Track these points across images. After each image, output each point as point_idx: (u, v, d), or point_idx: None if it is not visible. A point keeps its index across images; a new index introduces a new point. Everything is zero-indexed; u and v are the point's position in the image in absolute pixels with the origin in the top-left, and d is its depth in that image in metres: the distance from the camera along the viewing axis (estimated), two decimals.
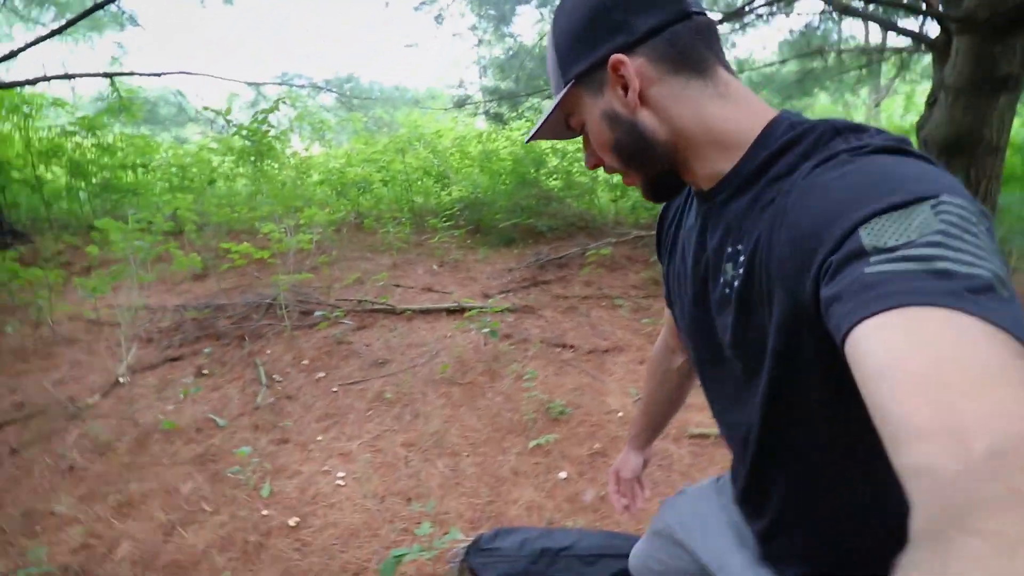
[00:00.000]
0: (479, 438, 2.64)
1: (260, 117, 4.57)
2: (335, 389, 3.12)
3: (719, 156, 0.56)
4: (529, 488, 2.28)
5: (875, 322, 0.34)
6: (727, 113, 0.56)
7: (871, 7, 4.59)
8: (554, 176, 6.72)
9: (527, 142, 0.80)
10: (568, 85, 0.58)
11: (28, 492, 2.29)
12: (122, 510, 2.19)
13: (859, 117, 10.69)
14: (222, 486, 2.33)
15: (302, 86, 8.10)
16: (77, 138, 7.28)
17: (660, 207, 0.79)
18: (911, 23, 5.95)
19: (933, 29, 4.95)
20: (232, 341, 3.73)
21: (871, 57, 8.18)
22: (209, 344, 3.68)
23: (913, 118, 9.07)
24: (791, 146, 0.52)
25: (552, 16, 0.61)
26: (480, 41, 6.92)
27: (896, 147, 0.46)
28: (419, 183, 7.09)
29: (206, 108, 5.14)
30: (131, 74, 6.57)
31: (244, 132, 4.53)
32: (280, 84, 6.87)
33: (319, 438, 2.66)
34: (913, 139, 4.86)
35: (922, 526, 0.26)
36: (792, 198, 0.48)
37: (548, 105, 0.63)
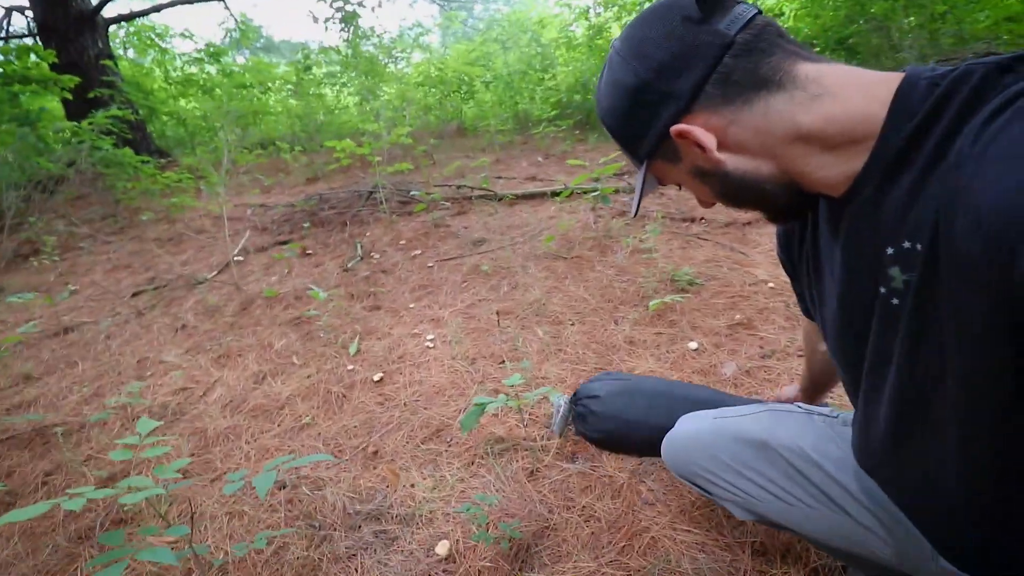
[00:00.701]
0: (586, 307, 2.22)
1: None
2: (430, 264, 2.88)
3: (844, 157, 0.47)
4: (648, 358, 1.84)
5: None
6: (831, 110, 0.46)
7: None
8: None
9: (634, 216, 0.81)
10: (644, 165, 0.56)
11: (145, 344, 2.38)
12: (220, 361, 2.16)
13: None
14: (313, 344, 2.21)
15: None
16: (206, 68, 7.76)
17: None
18: None
19: None
20: (335, 226, 3.67)
21: None
22: (315, 229, 3.65)
23: None
24: (944, 105, 0.40)
25: (597, 108, 0.59)
26: None
27: None
28: (523, 79, 6.51)
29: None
30: None
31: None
32: None
33: (411, 306, 2.44)
34: None
35: None
36: (968, 170, 0.37)
37: (636, 180, 0.60)
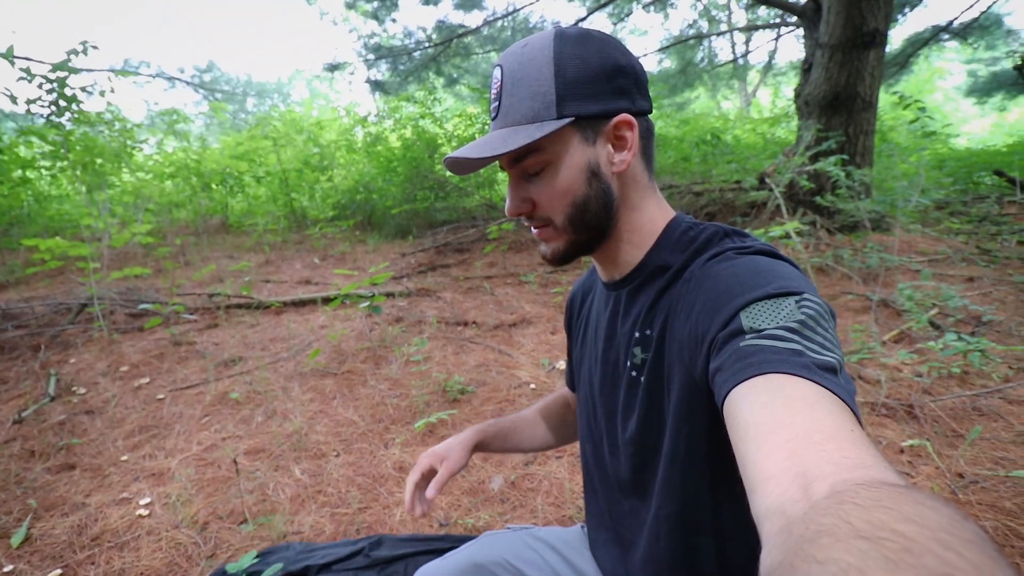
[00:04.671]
0: (354, 433, 2.05)
1: (62, 64, 3.56)
2: (161, 396, 2.36)
3: (635, 246, 0.61)
4: None
5: (746, 385, 0.41)
6: (651, 208, 0.61)
7: None
8: None
9: (474, 165, 0.58)
10: (565, 121, 0.54)
11: None
12: None
13: (732, 114, 11.48)
14: None
15: (151, 76, 6.90)
16: None
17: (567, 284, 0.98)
18: None
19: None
20: (25, 352, 2.79)
21: (738, 58, 8.71)
22: None
23: (781, 108, 9.83)
24: (690, 243, 0.58)
25: (553, 44, 0.55)
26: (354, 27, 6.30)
27: (771, 251, 0.54)
28: (299, 176, 6.29)
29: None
30: None
31: (32, 78, 3.49)
32: (121, 74, 5.72)
33: (124, 458, 1.92)
34: (793, 106, 5.04)
35: (772, 560, 0.27)
36: (691, 285, 0.54)
37: (502, 132, 0.56)
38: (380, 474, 1.78)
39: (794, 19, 6.55)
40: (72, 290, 3.77)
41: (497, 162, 0.61)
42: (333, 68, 5.63)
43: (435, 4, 7.00)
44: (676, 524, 0.60)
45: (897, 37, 9.68)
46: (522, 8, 6.84)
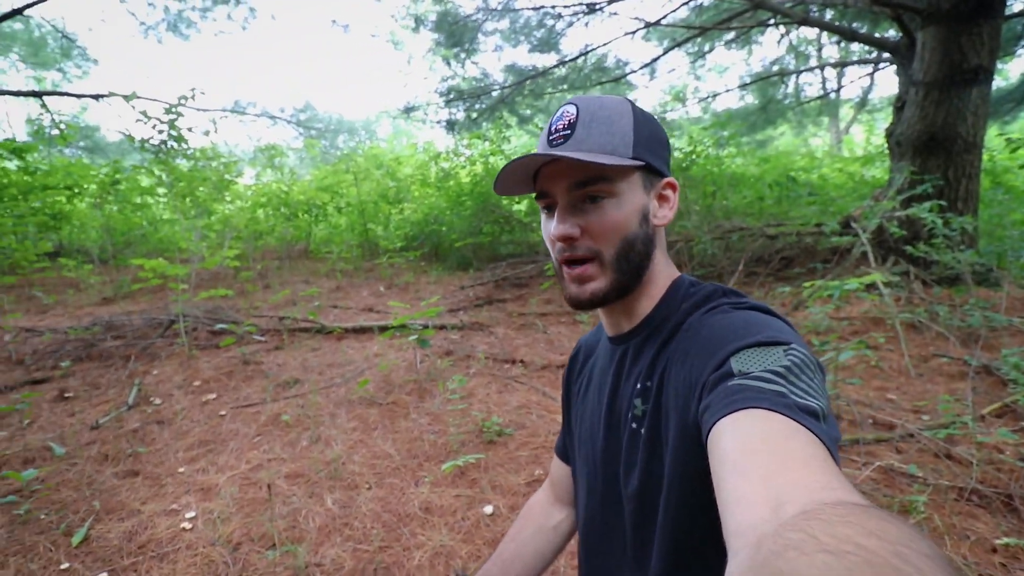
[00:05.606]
0: (388, 466, 2.07)
1: (172, 108, 4.11)
2: (223, 412, 2.52)
3: (650, 299, 0.65)
4: (441, 528, 1.71)
5: (730, 418, 0.43)
6: (665, 266, 0.67)
7: (831, 14, 4.48)
8: (517, 199, 6.38)
9: (513, 188, 0.66)
10: (639, 162, 0.61)
11: None
12: None
13: (820, 152, 10.81)
14: (24, 531, 1.71)
15: (256, 115, 7.77)
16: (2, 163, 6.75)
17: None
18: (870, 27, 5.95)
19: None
20: (117, 362, 3.12)
21: (827, 93, 8.25)
22: (87, 364, 3.06)
23: (875, 147, 9.14)
24: (690, 298, 0.64)
25: (630, 106, 0.64)
26: (433, 68, 6.71)
27: (765, 308, 0.59)
28: (375, 208, 6.68)
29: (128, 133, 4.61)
30: (58, 94, 6.15)
31: (148, 119, 4.03)
32: (231, 113, 6.47)
33: (181, 470, 2.06)
34: (885, 145, 4.67)
35: (740, 572, 0.29)
36: (688, 335, 0.58)
37: (582, 153, 0.60)
38: (406, 512, 1.78)
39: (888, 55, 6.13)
40: (167, 307, 4.19)
41: (534, 193, 0.66)
42: (410, 110, 6.01)
43: (513, 46, 7.31)
44: None
45: (1014, 70, 8.78)
46: (596, 48, 6.96)
